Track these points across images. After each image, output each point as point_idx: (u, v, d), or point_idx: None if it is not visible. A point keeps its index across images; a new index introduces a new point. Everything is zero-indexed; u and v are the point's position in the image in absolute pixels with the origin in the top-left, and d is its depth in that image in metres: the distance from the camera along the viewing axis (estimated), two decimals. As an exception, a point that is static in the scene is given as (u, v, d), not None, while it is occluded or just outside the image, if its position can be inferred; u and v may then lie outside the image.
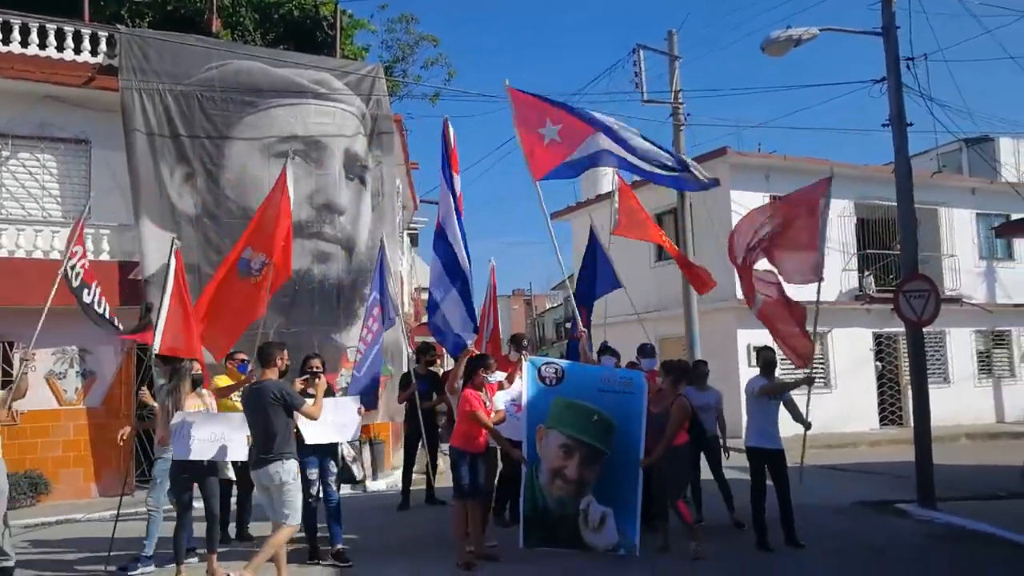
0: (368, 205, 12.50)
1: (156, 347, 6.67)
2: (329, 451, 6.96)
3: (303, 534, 6.82)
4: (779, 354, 7.77)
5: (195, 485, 6.47)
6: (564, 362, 7.18)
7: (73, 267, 7.54)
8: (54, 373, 10.84)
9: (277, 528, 5.86)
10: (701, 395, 7.78)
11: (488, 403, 6.55)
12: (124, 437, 6.91)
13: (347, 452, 7.95)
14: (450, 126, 8.14)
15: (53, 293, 7.07)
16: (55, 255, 10.73)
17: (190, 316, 7.13)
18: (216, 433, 6.48)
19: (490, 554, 6.57)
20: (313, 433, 6.70)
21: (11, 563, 6.60)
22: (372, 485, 11.26)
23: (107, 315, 7.95)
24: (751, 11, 29.92)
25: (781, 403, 7.30)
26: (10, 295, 10.23)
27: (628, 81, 14.90)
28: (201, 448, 6.39)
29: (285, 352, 6.39)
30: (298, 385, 6.79)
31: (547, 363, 6.82)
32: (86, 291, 7.66)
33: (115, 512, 9.81)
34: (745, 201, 16.73)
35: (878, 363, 18.06)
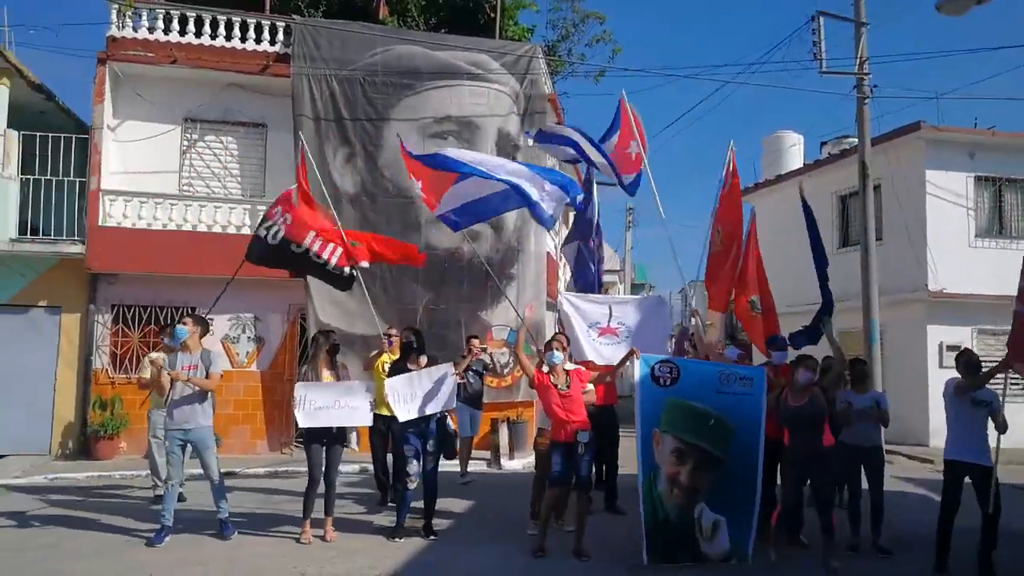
0: (519, 184, 12.39)
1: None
2: (422, 426, 6.76)
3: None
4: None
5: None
6: (681, 360, 6.71)
7: (269, 228, 7.54)
8: (229, 337, 11.78)
9: None
10: (860, 398, 6.92)
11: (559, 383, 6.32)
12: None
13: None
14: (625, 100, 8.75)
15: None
16: (231, 230, 11.64)
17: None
18: (339, 401, 6.65)
19: (582, 551, 6.21)
20: (405, 410, 6.64)
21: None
22: (508, 464, 11.22)
23: (332, 267, 7.60)
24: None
25: (989, 412, 6.14)
26: (193, 266, 11.25)
27: (806, 52, 13.65)
28: (323, 415, 6.58)
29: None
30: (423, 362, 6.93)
31: (662, 362, 6.27)
32: (293, 245, 7.48)
33: (269, 469, 10.54)
34: (944, 183, 14.86)
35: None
